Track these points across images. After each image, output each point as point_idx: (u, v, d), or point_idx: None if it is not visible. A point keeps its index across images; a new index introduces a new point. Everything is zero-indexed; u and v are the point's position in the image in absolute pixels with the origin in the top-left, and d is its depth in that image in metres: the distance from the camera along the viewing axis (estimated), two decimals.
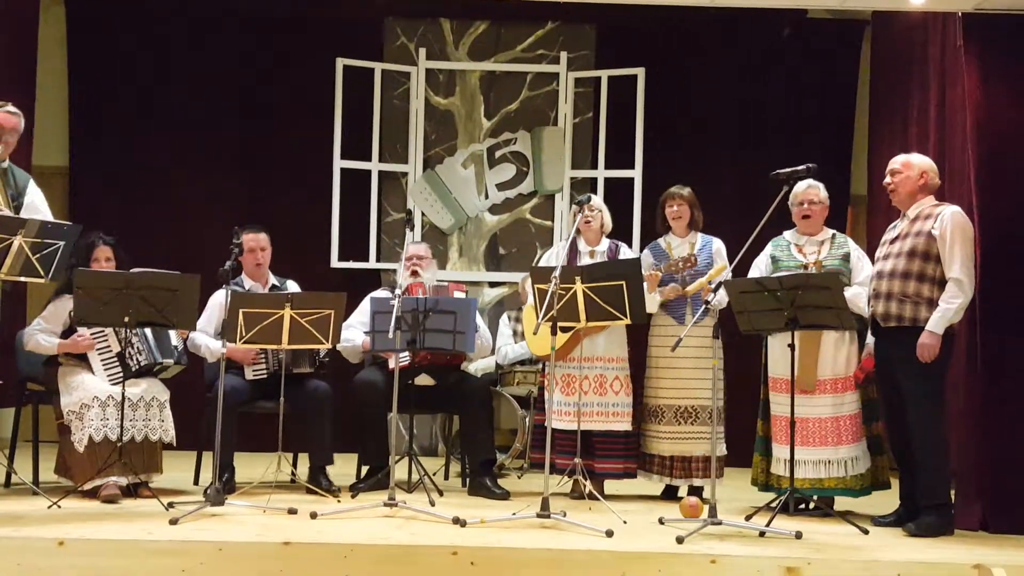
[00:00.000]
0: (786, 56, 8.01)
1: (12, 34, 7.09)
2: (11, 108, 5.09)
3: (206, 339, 5.57)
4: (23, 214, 5.02)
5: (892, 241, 4.97)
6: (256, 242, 5.74)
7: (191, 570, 3.90)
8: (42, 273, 4.72)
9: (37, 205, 5.18)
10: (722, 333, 4.92)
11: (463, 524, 4.50)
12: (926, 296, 4.78)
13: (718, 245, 5.70)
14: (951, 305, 4.71)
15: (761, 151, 7.52)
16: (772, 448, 5.37)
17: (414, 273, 5.81)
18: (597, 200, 5.86)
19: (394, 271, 6.12)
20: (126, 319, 4.83)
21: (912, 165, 4.97)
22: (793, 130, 7.89)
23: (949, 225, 4.76)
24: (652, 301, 5.46)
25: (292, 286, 5.84)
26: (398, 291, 5.16)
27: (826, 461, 5.20)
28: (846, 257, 5.30)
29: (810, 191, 5.37)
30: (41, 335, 5.21)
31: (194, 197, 7.80)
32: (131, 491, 5.01)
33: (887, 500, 5.19)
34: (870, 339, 5.11)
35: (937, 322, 4.70)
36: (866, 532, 4.69)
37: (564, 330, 5.13)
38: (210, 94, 7.92)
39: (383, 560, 4.00)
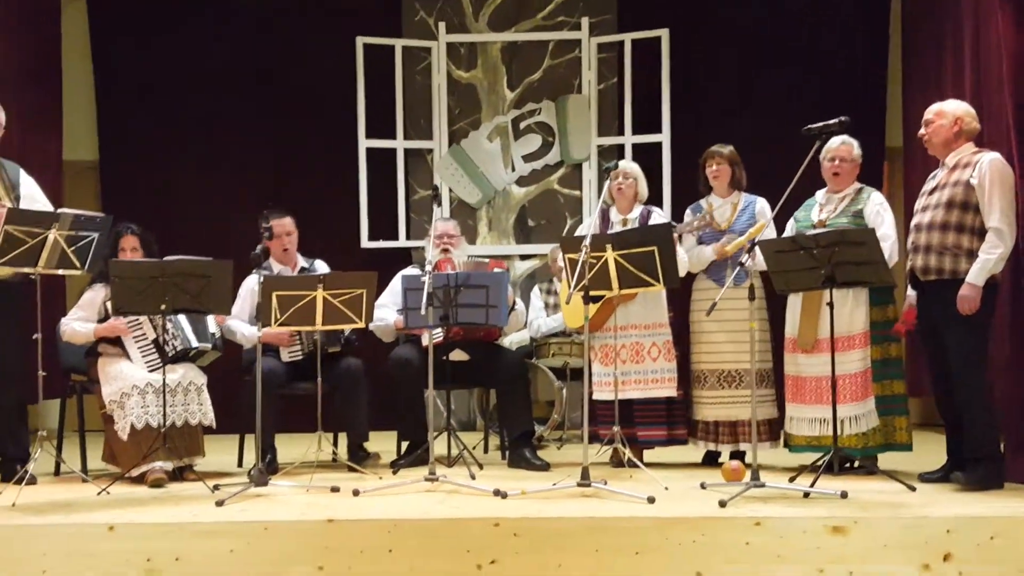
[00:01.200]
0: (815, 9, 7.88)
1: (35, 31, 7.15)
2: None
3: (241, 325, 5.61)
4: (23, 204, 5.07)
5: (931, 192, 4.87)
6: (282, 227, 5.73)
7: (239, 550, 3.93)
8: (78, 265, 4.79)
9: (35, 195, 5.24)
10: (772, 295, 4.86)
11: (504, 496, 4.51)
12: (965, 247, 4.68)
13: (761, 205, 5.58)
14: (991, 256, 4.62)
15: (794, 108, 7.41)
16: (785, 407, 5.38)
17: (445, 251, 5.80)
18: (634, 168, 5.76)
19: (424, 248, 6.12)
20: (163, 307, 4.86)
21: (945, 113, 4.86)
22: (826, 85, 7.77)
23: (988, 173, 4.65)
24: (681, 264, 5.32)
25: (321, 266, 5.86)
26: (428, 267, 5.16)
27: (821, 419, 5.15)
28: (858, 214, 5.19)
29: (842, 148, 5.27)
30: (77, 323, 5.27)
31: (222, 184, 7.85)
32: (177, 475, 5.07)
33: (935, 457, 5.14)
34: (911, 292, 5.04)
35: (977, 273, 4.62)
36: (913, 489, 4.64)
37: (596, 299, 5.10)
38: (233, 80, 7.95)
39: (426, 534, 4.02)
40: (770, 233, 5.37)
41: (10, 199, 5.06)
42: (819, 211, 5.31)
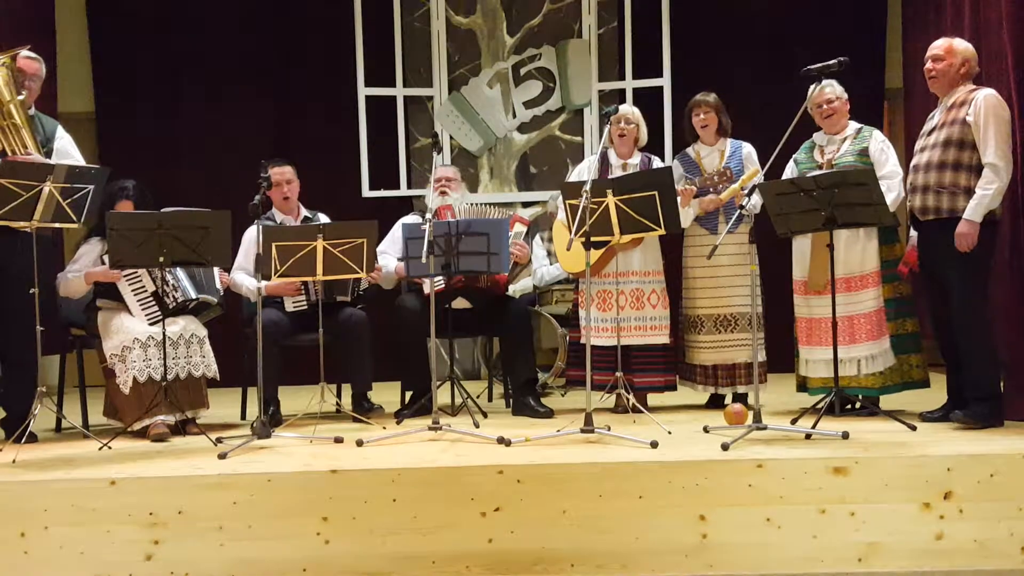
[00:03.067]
0: None
1: None
2: (29, 53, 5.05)
3: (245, 278, 5.58)
4: (54, 159, 5.03)
5: (929, 133, 4.85)
6: (282, 175, 5.71)
7: (242, 502, 3.95)
8: (74, 218, 4.73)
9: (68, 150, 5.18)
10: (758, 239, 4.85)
11: (508, 443, 4.52)
12: (963, 185, 4.67)
13: (748, 149, 5.60)
14: (987, 191, 4.60)
15: (792, 50, 7.34)
16: (798, 350, 5.36)
17: (443, 194, 5.76)
18: (635, 113, 5.71)
19: (425, 197, 6.09)
20: (160, 259, 4.83)
21: (956, 51, 4.81)
22: (824, 26, 7.69)
23: (982, 108, 4.63)
24: (686, 216, 5.38)
25: (323, 219, 5.82)
26: (429, 215, 5.12)
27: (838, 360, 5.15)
28: (863, 152, 5.17)
29: (823, 93, 5.23)
30: (69, 272, 5.23)
31: (220, 134, 7.80)
32: (179, 429, 5.06)
33: (934, 396, 5.14)
34: (913, 232, 5.02)
35: (974, 210, 4.60)
36: (914, 428, 4.65)
37: (597, 246, 5.08)
38: (230, 30, 7.88)
39: (430, 482, 4.02)
40: (760, 179, 5.33)
41: (40, 153, 5.01)
42: (820, 153, 5.27)
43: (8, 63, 4.89)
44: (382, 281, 5.80)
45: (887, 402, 5.24)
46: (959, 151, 4.69)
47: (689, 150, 5.72)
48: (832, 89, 5.26)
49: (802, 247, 5.30)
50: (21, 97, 4.93)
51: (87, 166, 4.90)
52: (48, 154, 5.06)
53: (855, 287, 5.15)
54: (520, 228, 5.71)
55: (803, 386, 5.44)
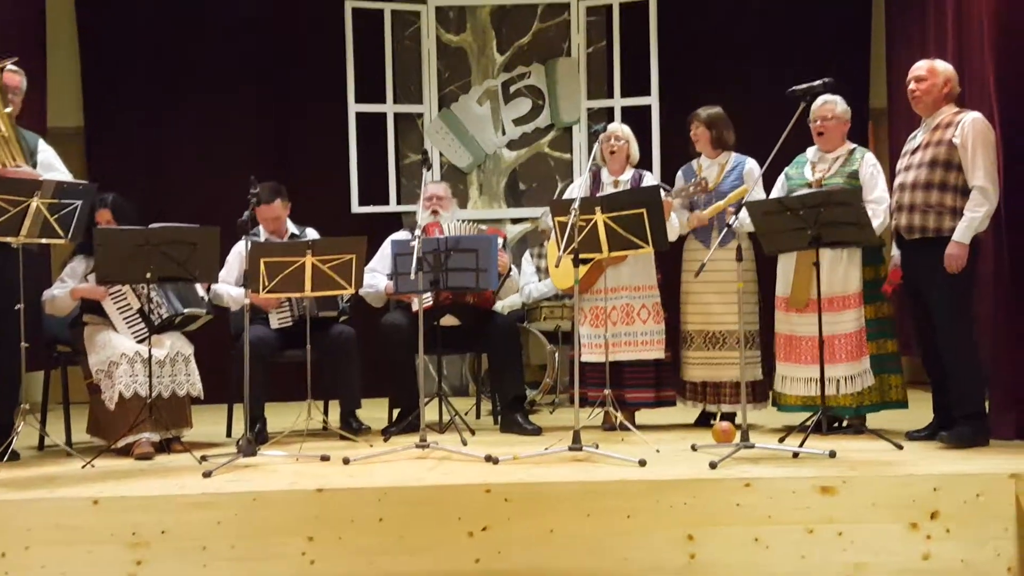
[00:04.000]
0: None
1: None
2: (11, 67, 5.02)
3: (228, 287, 5.56)
4: (39, 171, 5.00)
5: (913, 152, 4.88)
6: (270, 212, 5.62)
7: (226, 521, 3.92)
8: (61, 234, 4.71)
9: (52, 162, 5.15)
10: (760, 256, 4.85)
11: (496, 461, 4.50)
12: (949, 205, 4.70)
13: (750, 166, 5.57)
14: (976, 214, 4.64)
15: (779, 70, 7.36)
16: (776, 365, 5.37)
17: (434, 212, 5.76)
18: (625, 130, 5.73)
19: (415, 213, 6.08)
20: (148, 275, 4.81)
21: (937, 72, 4.86)
22: (810, 46, 7.73)
23: (970, 132, 4.67)
24: (672, 228, 5.37)
25: (312, 234, 5.80)
26: (418, 232, 5.11)
27: (816, 379, 5.12)
28: (853, 175, 5.18)
29: (824, 107, 5.26)
30: (56, 290, 5.21)
31: (210, 150, 7.78)
32: (164, 447, 5.02)
33: (921, 416, 5.14)
34: (895, 252, 5.03)
35: (963, 232, 4.63)
36: (900, 447, 4.65)
37: (585, 262, 5.08)
38: (221, 44, 7.87)
39: (417, 501, 4.00)
40: (758, 194, 5.35)
41: (25, 160, 4.98)
42: (812, 170, 5.28)
43: None
44: (371, 299, 5.79)
45: (873, 420, 5.24)
46: (945, 172, 4.72)
47: (693, 162, 5.74)
48: (831, 106, 5.26)
49: (786, 264, 5.30)
50: (8, 110, 4.91)
51: (75, 182, 4.88)
52: (33, 167, 5.04)
53: (837, 307, 5.15)
54: (497, 240, 5.70)
55: (775, 402, 5.43)
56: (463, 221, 5.97)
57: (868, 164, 5.21)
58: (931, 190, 4.72)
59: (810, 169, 5.30)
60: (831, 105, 5.26)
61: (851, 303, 5.16)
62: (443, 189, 5.97)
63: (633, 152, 5.71)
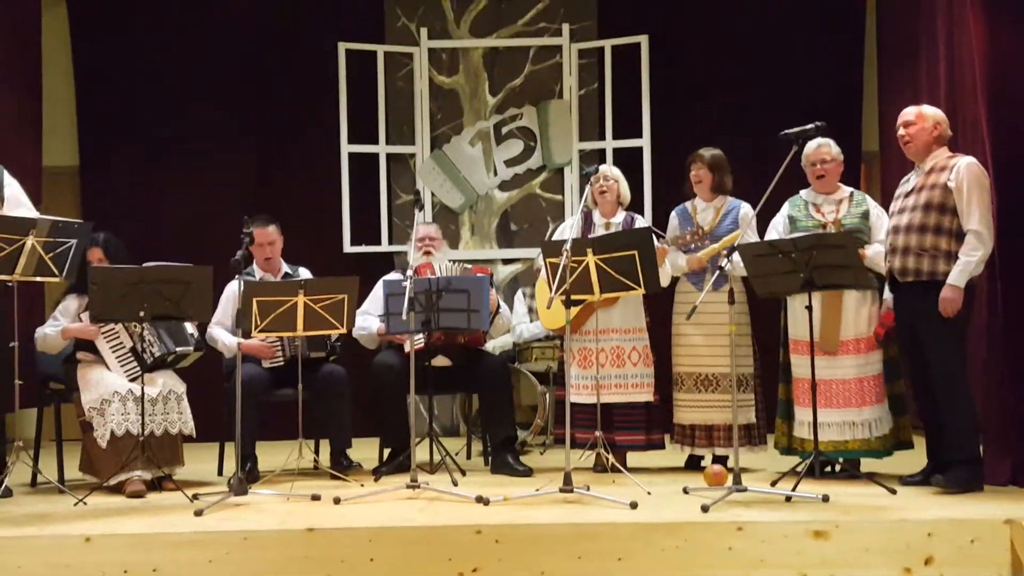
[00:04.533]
0: (791, 15, 7.92)
1: (16, 36, 7.10)
2: None
3: (222, 334, 5.58)
4: (7, 206, 5.02)
5: (907, 195, 4.91)
6: (264, 237, 5.69)
7: (218, 560, 3.91)
8: (56, 272, 4.74)
9: (18, 197, 5.16)
10: (753, 299, 4.86)
11: (486, 503, 4.50)
12: (944, 249, 4.72)
13: (744, 211, 5.55)
14: (972, 258, 4.65)
15: (770, 113, 7.44)
16: (794, 411, 5.33)
17: (427, 253, 5.78)
18: (614, 171, 5.74)
19: (406, 253, 6.11)
20: (141, 313, 4.83)
21: (926, 116, 4.90)
22: (802, 90, 7.80)
23: (965, 177, 4.69)
24: (665, 274, 5.40)
25: (305, 273, 5.82)
26: (410, 272, 5.14)
27: (851, 423, 5.16)
28: (865, 215, 5.24)
29: (821, 150, 5.29)
30: (48, 328, 5.22)
31: (203, 189, 7.81)
32: (156, 485, 5.01)
33: (914, 460, 5.15)
34: (888, 294, 5.06)
35: (958, 276, 4.65)
36: (894, 492, 4.65)
37: (576, 303, 5.09)
38: (215, 85, 7.92)
39: (407, 542, 4.00)
40: (752, 238, 5.37)
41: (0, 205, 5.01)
42: (816, 211, 5.29)
43: None
44: (364, 341, 5.79)
45: (866, 465, 5.25)
46: (940, 215, 4.74)
47: (687, 204, 5.73)
48: (827, 149, 5.29)
49: (796, 307, 5.21)
50: None
51: (70, 220, 4.90)
52: (0, 201, 5.05)
53: (865, 349, 5.15)
54: (487, 279, 5.72)
55: (790, 448, 5.38)
56: (453, 262, 6.00)
57: (874, 206, 5.27)
58: (926, 233, 4.75)
59: (815, 211, 5.32)
60: (827, 148, 5.30)
61: (875, 345, 5.19)
62: (434, 230, 6.00)
63: (624, 193, 5.73)
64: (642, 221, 5.74)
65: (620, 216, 5.69)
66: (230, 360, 5.53)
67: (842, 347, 5.17)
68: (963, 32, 5.29)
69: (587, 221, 5.69)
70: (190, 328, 5.36)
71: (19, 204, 5.13)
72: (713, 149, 5.65)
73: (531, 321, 6.82)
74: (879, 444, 5.18)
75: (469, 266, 5.94)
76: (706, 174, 5.61)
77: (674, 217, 5.71)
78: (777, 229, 5.38)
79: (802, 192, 5.42)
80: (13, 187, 5.17)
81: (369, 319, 5.76)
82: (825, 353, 5.16)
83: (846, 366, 5.17)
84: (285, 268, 5.85)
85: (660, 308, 5.71)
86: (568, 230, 5.51)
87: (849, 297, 5.11)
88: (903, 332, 4.97)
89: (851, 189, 5.37)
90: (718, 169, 5.61)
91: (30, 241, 4.62)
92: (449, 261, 5.96)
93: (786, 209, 5.40)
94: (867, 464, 5.25)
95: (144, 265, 5.00)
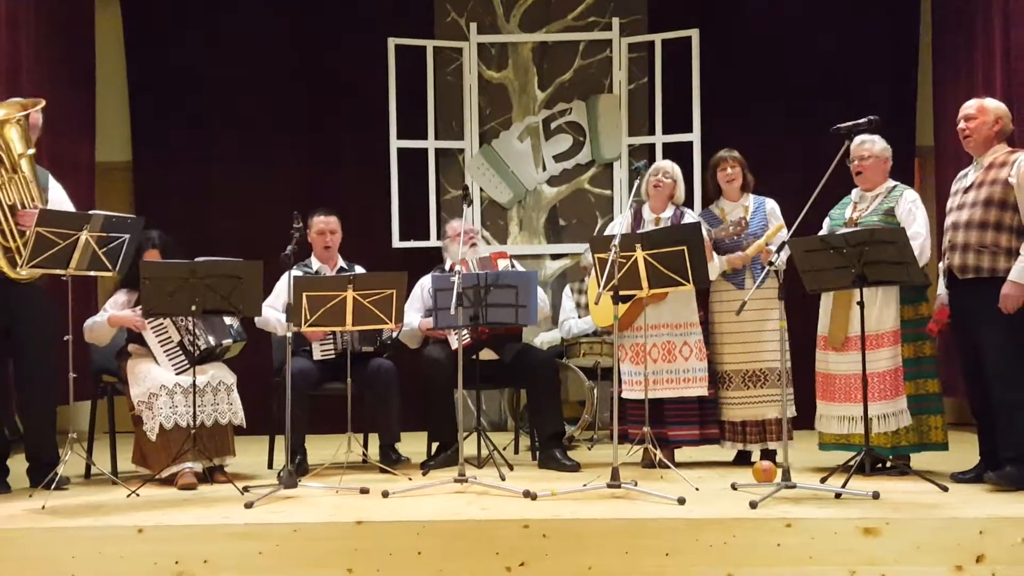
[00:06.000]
0: (844, 8, 7.82)
1: (70, 33, 7.23)
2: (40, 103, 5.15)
3: (275, 313, 5.62)
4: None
5: (965, 191, 4.83)
6: (327, 224, 5.80)
7: (268, 552, 3.94)
8: (109, 267, 4.81)
9: (62, 200, 5.24)
10: (786, 293, 4.83)
11: (534, 497, 4.50)
12: (1004, 246, 4.64)
13: (771, 205, 5.61)
14: None
15: (823, 107, 7.36)
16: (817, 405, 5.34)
17: (473, 245, 5.80)
18: (675, 169, 5.71)
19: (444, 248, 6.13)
20: (193, 307, 4.89)
21: (987, 110, 4.82)
22: (855, 83, 7.70)
23: None
24: (713, 268, 5.38)
25: (359, 271, 5.86)
26: (459, 268, 5.14)
27: (851, 417, 5.12)
28: (889, 212, 5.16)
29: (861, 147, 5.24)
30: (96, 318, 5.30)
31: (254, 184, 7.89)
32: (207, 476, 5.08)
33: (967, 457, 5.07)
34: (943, 291, 4.98)
35: (1020, 272, 4.56)
36: (945, 489, 4.59)
37: (625, 299, 5.08)
38: (265, 81, 7.99)
39: (455, 536, 4.01)
40: (784, 234, 5.34)
41: (42, 201, 5.10)
42: (852, 209, 5.28)
43: (23, 121, 4.99)
44: (407, 339, 5.82)
45: (917, 461, 5.18)
46: (1000, 211, 4.67)
47: (713, 207, 5.74)
48: (868, 146, 5.24)
49: (826, 303, 5.28)
50: (32, 151, 5.03)
51: (123, 216, 4.98)
52: (45, 203, 5.13)
53: (871, 346, 5.09)
54: (504, 263, 5.72)
55: (823, 443, 5.39)
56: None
57: (907, 200, 5.18)
58: (986, 230, 4.68)
59: (851, 208, 5.30)
60: (868, 144, 5.25)
61: (885, 341, 5.13)
62: (470, 223, 6.00)
63: (679, 193, 5.71)
64: (691, 215, 5.71)
65: (669, 211, 5.66)
66: (280, 354, 5.58)
67: (848, 342, 5.14)
68: (1019, 24, 5.20)
69: (637, 216, 5.67)
70: (228, 320, 5.40)
71: (60, 206, 5.20)
72: (732, 150, 5.68)
73: (579, 317, 6.81)
74: (884, 440, 5.10)
75: (487, 255, 5.91)
76: (738, 173, 5.63)
77: (702, 221, 5.68)
78: (825, 225, 5.36)
79: (853, 191, 5.37)
80: (57, 191, 5.26)
81: (411, 315, 5.78)
82: (832, 348, 5.19)
83: (852, 361, 5.08)
84: (341, 263, 5.90)
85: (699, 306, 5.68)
86: (619, 227, 5.50)
87: (857, 293, 5.01)
88: (959, 329, 4.89)
89: (894, 184, 5.29)
90: (745, 167, 5.65)
91: (84, 236, 4.69)
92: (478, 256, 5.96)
93: (834, 208, 5.39)
94: (919, 461, 5.18)
95: (195, 260, 5.06)
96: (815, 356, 5.40)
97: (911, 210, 5.15)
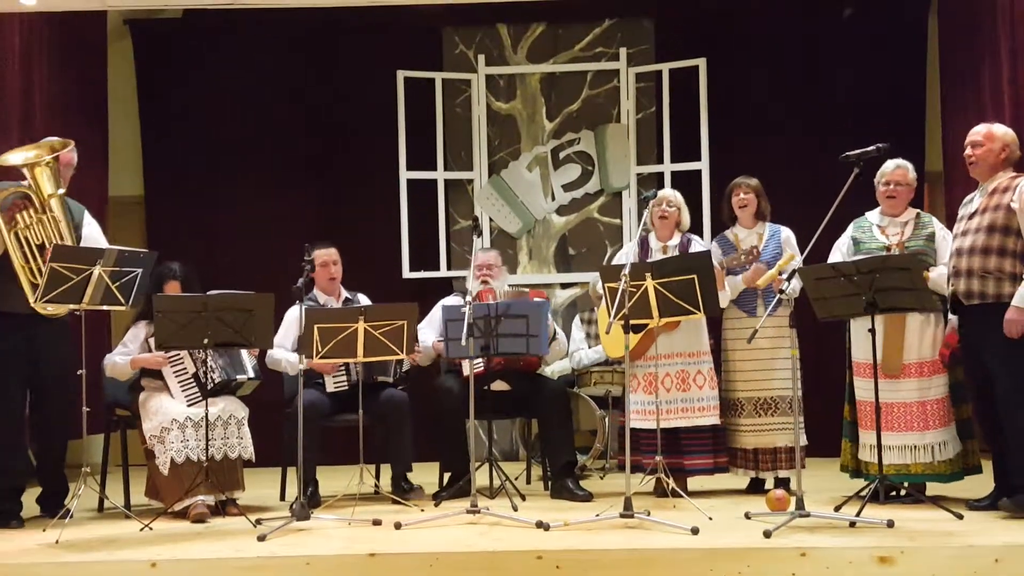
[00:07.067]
0: (850, 36, 7.85)
1: (82, 70, 7.30)
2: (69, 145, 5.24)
3: (285, 353, 5.64)
4: (82, 244, 5.16)
5: (970, 216, 4.85)
6: (329, 256, 5.82)
7: None
8: (122, 301, 4.85)
9: (95, 237, 5.30)
10: (797, 321, 4.84)
11: (547, 528, 4.49)
12: (1008, 271, 4.66)
13: (786, 234, 5.63)
14: None
15: (831, 134, 7.38)
16: (859, 434, 5.27)
17: (484, 282, 5.81)
18: (678, 197, 5.75)
19: (465, 278, 6.15)
20: (205, 340, 4.92)
21: (995, 137, 4.84)
22: (863, 110, 7.70)
23: None
24: (724, 297, 5.39)
25: (363, 300, 5.89)
26: (469, 298, 5.17)
27: (912, 446, 5.10)
28: (930, 237, 5.19)
29: (898, 171, 5.27)
30: (118, 356, 5.34)
31: (265, 217, 7.91)
32: (219, 509, 5.08)
33: (981, 484, 5.05)
34: (952, 316, 4.99)
35: (1022, 297, 4.57)
36: (960, 517, 4.57)
37: (636, 329, 5.09)
38: (275, 114, 8.04)
39: (468, 567, 4.01)
40: (797, 263, 5.34)
41: (72, 239, 5.16)
42: (881, 233, 5.25)
43: (52, 163, 5.07)
44: (420, 359, 5.83)
45: (932, 489, 5.16)
46: (1004, 237, 4.69)
47: (727, 233, 5.76)
48: (904, 171, 5.27)
49: (863, 329, 5.10)
50: (62, 191, 5.10)
51: (136, 250, 5.03)
52: (77, 240, 5.20)
53: (927, 372, 5.11)
54: (541, 301, 5.73)
55: (858, 470, 5.33)
56: (512, 287, 6.02)
57: (940, 228, 5.23)
58: (989, 255, 4.69)
59: (879, 233, 5.28)
60: (904, 170, 5.27)
61: (938, 368, 5.13)
62: (494, 257, 6.01)
63: (684, 220, 5.74)
64: (698, 242, 5.73)
65: (676, 238, 5.68)
66: (292, 385, 5.59)
67: (904, 370, 5.12)
68: None
69: (643, 245, 5.69)
70: (247, 358, 5.43)
71: (94, 243, 5.26)
72: (752, 177, 5.71)
73: (589, 347, 6.81)
74: (944, 468, 5.10)
75: (526, 290, 5.95)
76: (752, 199, 5.65)
77: (715, 246, 5.71)
78: (841, 251, 5.36)
79: (868, 214, 5.38)
80: (92, 227, 5.34)
81: (425, 334, 5.80)
82: (888, 376, 5.10)
83: (909, 389, 5.11)
84: (345, 294, 5.92)
85: (712, 333, 5.69)
86: (625, 256, 5.53)
87: (913, 320, 5.06)
88: (968, 355, 4.90)
89: (917, 211, 5.31)
90: (761, 195, 5.68)
91: (97, 271, 4.73)
92: (508, 286, 5.98)
93: (851, 231, 5.38)
94: (933, 488, 5.16)
95: (208, 293, 5.09)
96: (848, 382, 5.35)
97: (945, 237, 5.18)
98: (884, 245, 5.21)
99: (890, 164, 5.25)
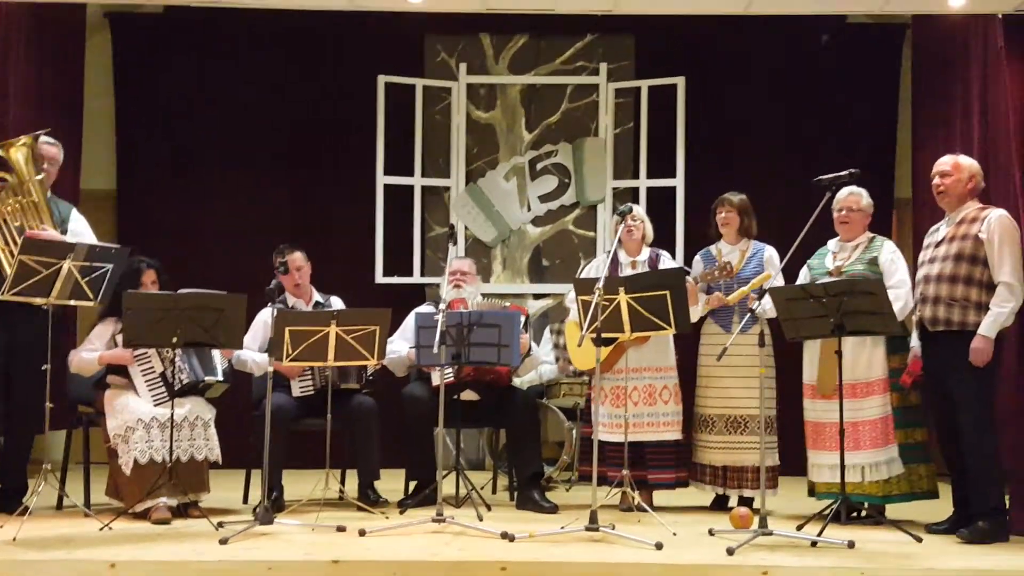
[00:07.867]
0: (827, 62, 7.93)
1: (59, 61, 7.22)
2: (48, 138, 5.22)
3: (252, 354, 5.61)
4: (68, 239, 5.11)
5: (937, 244, 4.92)
6: (292, 262, 5.73)
7: None
8: (91, 296, 4.81)
9: (82, 232, 5.26)
10: (775, 341, 4.87)
11: (512, 539, 4.49)
12: (974, 300, 4.74)
13: (769, 253, 5.65)
14: (1003, 309, 4.68)
15: (804, 158, 7.47)
16: (808, 454, 5.36)
17: (457, 287, 5.81)
18: (639, 210, 5.83)
19: (438, 285, 6.14)
20: (174, 339, 4.88)
21: (962, 167, 4.93)
22: (836, 135, 7.80)
23: (997, 229, 4.73)
24: (695, 312, 5.43)
25: (336, 302, 5.86)
26: (442, 306, 5.16)
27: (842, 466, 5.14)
28: (873, 261, 5.24)
29: (850, 198, 5.34)
30: (84, 352, 5.28)
31: (239, 217, 7.87)
32: (181, 511, 5.03)
33: (941, 507, 5.10)
34: (915, 342, 5.05)
35: (989, 326, 4.66)
36: (919, 540, 4.61)
37: (608, 342, 5.10)
38: (254, 114, 8.00)
39: None
40: (779, 282, 5.39)
41: (56, 230, 5.12)
42: (832, 259, 5.34)
43: (29, 143, 5.03)
44: (395, 366, 5.81)
45: (893, 511, 5.20)
46: (971, 266, 4.76)
47: (712, 248, 5.79)
48: (856, 198, 5.34)
49: (811, 351, 5.32)
50: (40, 177, 5.06)
51: (107, 245, 4.98)
52: (63, 234, 5.15)
53: (860, 393, 5.17)
54: (520, 317, 5.74)
55: (812, 491, 5.42)
56: (486, 297, 6.02)
57: (888, 251, 5.28)
58: (956, 284, 4.76)
59: (831, 258, 5.36)
60: (857, 197, 5.35)
61: (875, 389, 5.18)
62: (468, 265, 6.02)
63: (648, 232, 5.79)
64: (666, 257, 5.77)
65: (645, 253, 5.72)
66: (259, 388, 5.56)
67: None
68: (997, 82, 5.30)
69: (614, 261, 5.70)
70: (218, 359, 5.39)
71: (80, 239, 5.21)
72: (738, 193, 5.73)
73: (555, 361, 6.81)
74: (874, 489, 5.15)
75: (507, 304, 5.95)
76: (734, 217, 5.67)
77: (699, 260, 5.75)
78: (802, 275, 5.42)
79: (830, 241, 5.46)
80: (79, 223, 5.31)
81: (400, 344, 5.78)
82: (822, 396, 5.22)
83: (843, 409, 5.11)
84: (316, 296, 5.89)
85: (686, 348, 5.71)
86: (595, 269, 5.55)
87: (847, 342, 5.06)
88: (931, 381, 4.96)
89: (872, 235, 5.38)
90: (745, 213, 5.69)
91: (67, 265, 4.68)
92: (481, 296, 5.98)
93: (812, 259, 5.43)
94: (894, 510, 5.20)
95: (179, 292, 5.05)
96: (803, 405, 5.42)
97: (893, 260, 5.23)
98: (828, 270, 5.28)
99: (843, 192, 5.31)
